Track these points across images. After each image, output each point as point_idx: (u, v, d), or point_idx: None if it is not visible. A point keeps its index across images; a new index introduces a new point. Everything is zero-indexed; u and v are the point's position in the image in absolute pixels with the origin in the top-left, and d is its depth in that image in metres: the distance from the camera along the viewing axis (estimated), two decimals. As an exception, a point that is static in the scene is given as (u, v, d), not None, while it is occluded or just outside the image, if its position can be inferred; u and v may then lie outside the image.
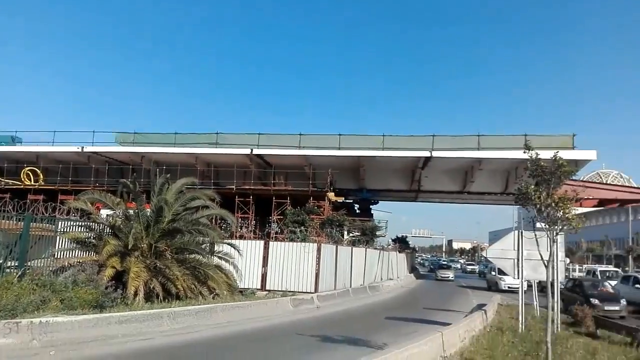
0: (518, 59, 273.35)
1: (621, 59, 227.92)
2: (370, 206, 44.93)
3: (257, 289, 22.36)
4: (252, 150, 36.81)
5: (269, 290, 22.35)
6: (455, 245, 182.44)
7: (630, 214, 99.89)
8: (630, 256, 67.02)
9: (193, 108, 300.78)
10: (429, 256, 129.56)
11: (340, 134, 37.00)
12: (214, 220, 22.07)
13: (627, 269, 57.51)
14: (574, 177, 31.90)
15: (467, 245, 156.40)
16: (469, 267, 68.51)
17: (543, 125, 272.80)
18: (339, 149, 36.41)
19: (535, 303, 17.21)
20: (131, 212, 16.18)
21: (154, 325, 11.67)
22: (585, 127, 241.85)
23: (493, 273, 35.26)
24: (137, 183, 16.84)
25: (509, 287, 30.60)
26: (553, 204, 7.32)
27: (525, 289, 15.19)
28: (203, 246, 16.73)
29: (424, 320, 17.14)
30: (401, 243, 53.27)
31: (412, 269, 52.97)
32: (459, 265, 77.52)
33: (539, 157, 7.90)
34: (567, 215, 7.40)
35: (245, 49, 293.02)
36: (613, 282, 26.45)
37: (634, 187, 53.55)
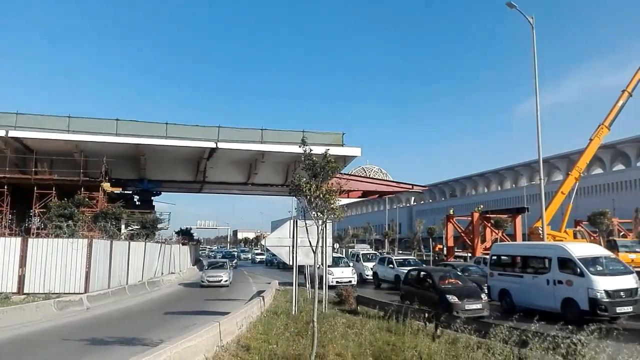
0: (299, 61, 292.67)
1: (378, 68, 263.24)
2: (152, 197, 42.82)
3: (13, 293, 19.41)
4: (7, 132, 31.49)
5: (29, 294, 19.63)
6: (240, 235, 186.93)
7: (387, 203, 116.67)
8: (386, 240, 77.90)
9: None
10: (217, 247, 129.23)
11: (117, 119, 34.19)
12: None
13: (383, 250, 66.89)
14: (342, 171, 35.24)
15: (252, 235, 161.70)
16: (258, 257, 68.12)
17: (320, 122, 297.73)
18: (117, 135, 33.67)
19: (308, 286, 18.65)
20: None
21: None
22: (354, 126, 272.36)
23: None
24: None
25: (337, 282, 25.04)
26: (321, 196, 8.01)
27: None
28: None
29: (205, 312, 17.11)
30: (185, 235, 52.30)
31: (196, 261, 52.45)
32: (249, 255, 78.38)
33: (312, 152, 8.56)
34: (332, 206, 8.18)
35: None
36: (372, 264, 30.29)
37: (390, 181, 62.09)
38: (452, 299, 15.08)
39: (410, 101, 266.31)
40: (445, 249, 45.29)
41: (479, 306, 15.07)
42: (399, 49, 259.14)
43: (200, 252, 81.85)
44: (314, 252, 8.75)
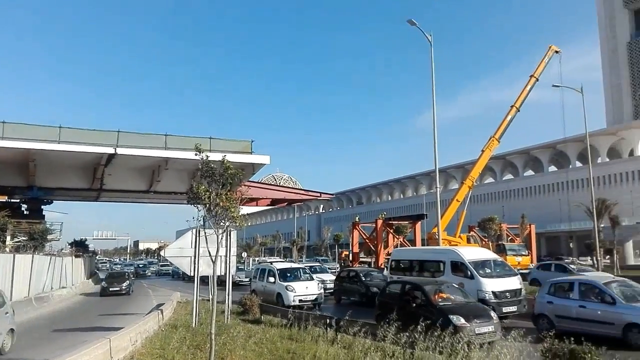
0: (208, 64, 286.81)
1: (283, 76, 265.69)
2: (42, 206, 39.51)
3: None
4: None
5: None
6: (142, 246, 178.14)
7: (297, 211, 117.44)
8: (294, 247, 78.35)
9: None
10: (119, 259, 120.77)
11: (4, 122, 31.28)
12: None
13: (291, 259, 67.14)
14: (251, 179, 34.91)
15: (154, 246, 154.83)
16: (163, 269, 63.35)
17: (230, 130, 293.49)
18: (2, 138, 30.77)
19: (214, 297, 18.10)
20: None
21: None
22: (265, 134, 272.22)
23: (272, 279, 21.34)
24: None
25: (300, 301, 19.91)
26: (221, 204, 7.85)
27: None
28: None
29: (98, 327, 16.04)
30: (79, 247, 49.01)
31: (92, 274, 49.30)
32: (153, 268, 71.99)
33: (209, 159, 8.36)
34: (232, 214, 8.06)
35: None
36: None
37: (299, 189, 62.63)
38: (458, 320, 11.34)
39: (315, 111, 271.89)
40: (350, 255, 46.43)
41: (491, 328, 11.56)
42: (309, 58, 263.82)
43: (98, 265, 76.47)
44: (213, 262, 8.53)
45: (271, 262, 27.97)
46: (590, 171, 36.12)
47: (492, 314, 12.27)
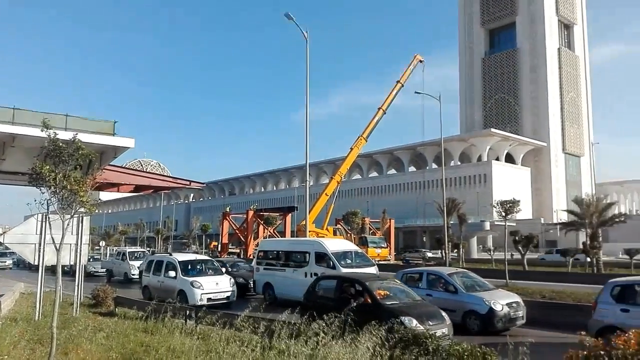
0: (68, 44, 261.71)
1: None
2: None
3: None
4: None
5: None
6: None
7: (165, 200, 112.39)
8: (159, 237, 74.81)
9: None
10: None
11: None
12: None
13: (154, 250, 64.07)
14: (113, 163, 32.45)
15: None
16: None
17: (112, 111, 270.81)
18: None
19: (58, 287, 16.57)
20: None
21: None
22: (134, 117, 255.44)
23: (171, 274, 17.82)
24: None
25: (209, 300, 16.72)
26: (68, 187, 7.14)
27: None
28: None
29: None
30: None
31: None
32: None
33: (57, 136, 7.55)
34: (81, 199, 7.38)
35: None
36: (138, 263, 28.64)
37: (167, 176, 59.86)
38: (411, 322, 9.79)
39: (192, 99, 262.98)
40: (220, 245, 45.79)
41: (445, 331, 10.10)
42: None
43: None
44: (58, 250, 7.77)
45: (170, 253, 23.95)
46: (443, 173, 39.72)
47: (444, 314, 10.80)
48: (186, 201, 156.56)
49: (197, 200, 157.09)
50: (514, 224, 48.66)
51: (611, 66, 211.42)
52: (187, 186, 53.90)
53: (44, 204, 7.90)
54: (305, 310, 10.33)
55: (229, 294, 17.45)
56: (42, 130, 7.63)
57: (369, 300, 10.71)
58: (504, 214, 26.76)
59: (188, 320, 11.56)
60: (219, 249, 45.12)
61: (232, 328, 9.45)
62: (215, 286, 17.20)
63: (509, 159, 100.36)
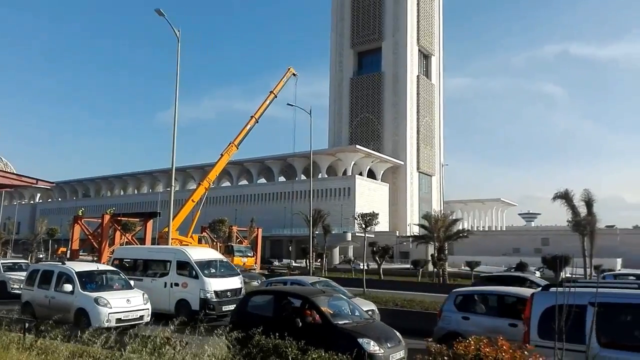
0: None
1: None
2: None
3: None
4: None
5: None
6: None
7: (3, 199, 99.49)
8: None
9: None
10: None
11: None
12: None
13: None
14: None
15: None
16: None
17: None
18: None
19: None
20: None
21: None
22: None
23: (67, 288, 14.48)
24: None
25: (119, 320, 13.53)
26: None
27: None
28: None
29: None
30: None
31: None
32: None
33: None
34: None
35: None
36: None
37: (10, 173, 53.30)
38: (369, 345, 8.61)
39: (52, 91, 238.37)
40: (69, 252, 41.71)
41: (402, 354, 9.24)
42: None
43: None
44: None
45: (62, 262, 18.35)
46: (311, 184, 40.87)
47: (398, 333, 9.76)
48: (32, 202, 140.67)
49: (45, 201, 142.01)
50: (373, 236, 51.67)
51: (461, 95, 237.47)
52: (34, 185, 48.33)
53: None
54: (236, 328, 8.51)
55: (142, 313, 14.18)
56: None
57: (319, 320, 9.32)
58: (364, 225, 28.36)
59: (27, 333, 10.27)
60: (68, 255, 41.09)
61: (78, 342, 8.59)
62: (126, 304, 13.96)
63: (371, 174, 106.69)
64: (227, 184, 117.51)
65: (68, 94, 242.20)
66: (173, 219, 31.16)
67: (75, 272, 14.61)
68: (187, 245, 36.43)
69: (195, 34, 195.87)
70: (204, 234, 47.69)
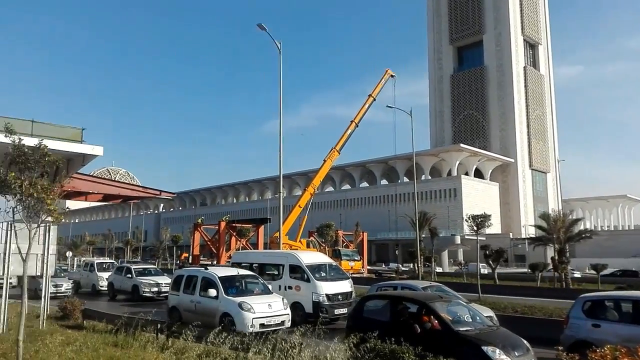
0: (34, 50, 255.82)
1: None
2: None
3: None
4: None
5: None
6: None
7: (134, 210, 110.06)
8: (128, 247, 73.19)
9: None
10: None
11: None
12: None
13: (122, 260, 62.60)
14: (81, 171, 31.61)
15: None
16: None
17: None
18: None
19: (24, 299, 15.91)
20: None
21: None
22: (106, 126, 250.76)
23: (211, 293, 14.58)
24: None
25: (262, 326, 13.42)
26: (35, 195, 6.83)
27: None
28: None
29: None
30: None
31: None
32: None
33: (22, 142, 7.24)
34: (49, 207, 7.06)
35: None
36: (107, 274, 27.88)
37: (137, 185, 58.74)
38: (495, 354, 8.06)
39: (163, 109, 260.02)
40: (190, 257, 44.93)
41: None
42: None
43: None
44: (24, 260, 7.42)
45: (205, 267, 19.45)
46: (415, 187, 40.11)
47: (525, 341, 8.99)
48: (156, 211, 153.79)
49: (167, 210, 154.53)
50: (484, 238, 49.37)
51: (573, 85, 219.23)
52: (157, 196, 52.89)
53: (9, 212, 7.55)
54: (351, 333, 8.70)
55: (284, 318, 14.03)
56: (5, 136, 7.29)
57: (438, 326, 8.79)
58: (475, 228, 27.08)
59: (159, 334, 11.19)
60: (190, 260, 44.29)
61: (206, 343, 9.16)
62: (267, 309, 13.85)
63: (478, 174, 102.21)
64: (331, 188, 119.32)
65: (182, 112, 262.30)
66: (282, 224, 32.26)
67: (218, 277, 14.82)
68: (297, 249, 37.48)
69: (292, 44, 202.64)
70: (312, 238, 48.80)
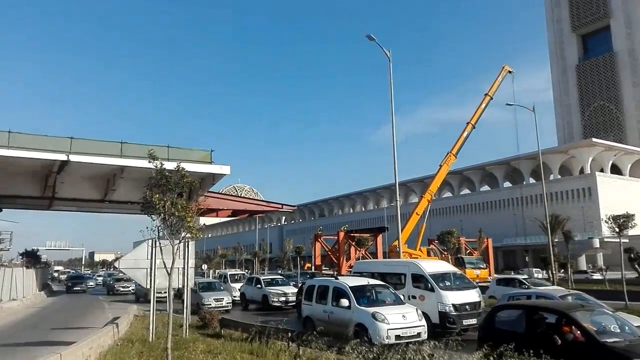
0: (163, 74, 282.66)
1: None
2: (-10, 215, 37.61)
3: None
4: None
5: None
6: (98, 257, 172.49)
7: (258, 223, 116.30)
8: (256, 259, 77.31)
9: None
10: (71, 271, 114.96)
11: (-52, 125, 29.56)
12: None
13: (251, 271, 66.28)
14: (212, 190, 34.13)
15: (111, 257, 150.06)
16: (121, 287, 41.78)
17: (190, 140, 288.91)
18: (-56, 143, 29.08)
19: (170, 310, 17.51)
20: None
21: None
22: (227, 145, 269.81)
23: (344, 303, 14.47)
24: None
25: (398, 337, 12.86)
26: (176, 213, 7.52)
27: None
28: None
29: (49, 342, 15.14)
30: (30, 257, 46.95)
31: (44, 286, 47.14)
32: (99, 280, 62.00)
33: (164, 167, 8.02)
34: (189, 224, 7.73)
35: None
36: (239, 285, 29.64)
37: (261, 200, 62.01)
38: None
39: (282, 123, 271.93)
40: (313, 267, 46.18)
41: None
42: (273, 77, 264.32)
43: (53, 275, 73.60)
44: (169, 274, 8.17)
45: (333, 276, 19.17)
46: (543, 188, 37.28)
47: None
48: (278, 224, 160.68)
49: (289, 222, 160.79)
50: (627, 241, 44.34)
51: None
52: (280, 209, 55.66)
53: (154, 230, 8.37)
54: (484, 343, 8.55)
55: (419, 329, 13.33)
56: (149, 162, 8.13)
57: (581, 338, 8.14)
58: (617, 229, 24.39)
59: (290, 342, 11.60)
60: (312, 270, 45.54)
61: (340, 353, 9.28)
62: (402, 320, 13.30)
63: (615, 170, 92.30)
64: (449, 194, 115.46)
65: (302, 131, 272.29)
66: (401, 233, 31.86)
67: (350, 287, 14.69)
68: (417, 257, 36.74)
69: (402, 50, 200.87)
70: (432, 246, 47.51)
